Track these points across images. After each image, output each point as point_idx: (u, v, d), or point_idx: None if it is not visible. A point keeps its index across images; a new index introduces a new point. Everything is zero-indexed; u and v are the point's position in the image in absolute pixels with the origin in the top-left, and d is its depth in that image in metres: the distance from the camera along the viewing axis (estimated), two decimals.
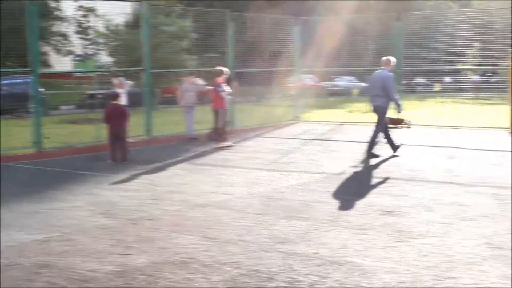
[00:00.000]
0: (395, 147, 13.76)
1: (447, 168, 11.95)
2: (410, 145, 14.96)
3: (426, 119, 22.00)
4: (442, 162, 12.70)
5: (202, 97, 17.64)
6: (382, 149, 13.62)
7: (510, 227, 7.31)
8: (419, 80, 43.08)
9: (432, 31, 28.01)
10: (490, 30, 28.78)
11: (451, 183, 10.35)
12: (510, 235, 6.98)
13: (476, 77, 38.35)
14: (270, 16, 25.91)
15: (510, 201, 8.66)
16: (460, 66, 27.86)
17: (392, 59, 14.05)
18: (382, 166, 12.30)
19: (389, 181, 10.60)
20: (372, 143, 13.56)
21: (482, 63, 29.28)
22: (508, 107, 18.51)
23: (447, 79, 33.44)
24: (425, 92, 39.17)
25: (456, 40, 23.59)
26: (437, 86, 33.09)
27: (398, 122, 18.49)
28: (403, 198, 9.11)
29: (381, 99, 13.44)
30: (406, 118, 19.20)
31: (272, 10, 40.77)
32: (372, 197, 9.21)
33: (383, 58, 14.02)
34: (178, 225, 7.72)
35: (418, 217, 7.94)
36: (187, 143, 16.24)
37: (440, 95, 32.47)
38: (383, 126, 13.71)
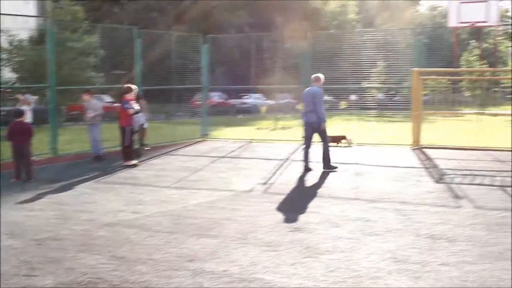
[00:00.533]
0: (307, 168, 14.03)
1: (354, 184, 12.21)
2: (316, 162, 15.19)
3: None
4: (348, 179, 12.96)
5: (105, 115, 17.37)
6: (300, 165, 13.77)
7: (413, 241, 7.56)
8: (325, 98, 43.77)
9: (338, 50, 28.64)
10: (394, 49, 29.63)
11: (357, 199, 10.58)
12: (413, 249, 7.21)
13: (380, 95, 39.43)
14: (178, 33, 25.89)
15: (413, 216, 8.96)
16: (365, 84, 28.59)
17: (322, 76, 14.38)
18: (290, 183, 12.43)
19: (297, 197, 10.73)
20: (327, 157, 14.17)
21: (386, 82, 30.13)
22: (410, 124, 19.13)
23: (353, 97, 34.23)
24: (331, 109, 39.91)
25: (361, 59, 24.18)
26: (343, 104, 33.80)
27: (338, 139, 18.78)
28: (311, 214, 9.25)
29: (313, 115, 13.84)
30: (348, 137, 19.35)
31: (180, 28, 40.76)
32: (281, 214, 9.29)
33: (313, 76, 14.42)
34: (86, 245, 7.57)
35: (325, 233, 8.06)
36: (93, 161, 15.96)
37: (346, 112, 33.16)
38: (308, 142, 14.26)
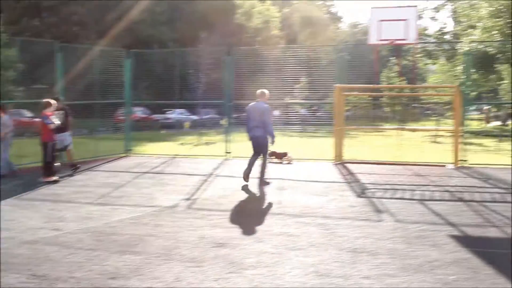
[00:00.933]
0: (246, 176, 14.33)
1: (277, 199, 12.30)
2: (240, 177, 15.24)
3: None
4: (272, 194, 13.05)
5: (24, 130, 16.99)
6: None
7: (336, 255, 7.67)
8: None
9: (261, 66, 28.83)
10: (316, 65, 30.03)
11: (281, 214, 10.65)
12: (336, 263, 7.32)
13: (303, 111, 39.89)
14: (100, 47, 25.60)
15: (336, 230, 9.10)
16: (288, 100, 28.85)
17: (267, 92, 14.64)
18: (214, 198, 12.43)
19: (221, 213, 10.73)
20: (263, 171, 14.36)
21: (309, 97, 30.48)
22: (332, 140, 19.43)
23: (276, 112, 34.50)
24: None
25: (284, 74, 24.41)
26: None
27: (281, 156, 18.84)
28: (234, 229, 9.27)
29: (260, 129, 14.03)
30: (289, 154, 19.38)
31: (103, 42, 40.29)
32: (205, 230, 9.27)
33: (258, 91, 14.65)
34: (4, 263, 7.37)
35: (249, 248, 8.09)
36: (12, 177, 15.54)
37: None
38: (256, 155, 14.51)
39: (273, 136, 14.11)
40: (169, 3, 53.98)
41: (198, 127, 30.99)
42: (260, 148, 14.35)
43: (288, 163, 18.75)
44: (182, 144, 26.43)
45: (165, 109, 44.72)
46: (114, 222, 9.84)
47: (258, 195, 12.87)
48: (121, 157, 21.11)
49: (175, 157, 21.14)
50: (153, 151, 22.76)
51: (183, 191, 13.28)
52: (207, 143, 27.31)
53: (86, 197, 12.51)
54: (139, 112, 40.82)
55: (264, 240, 8.57)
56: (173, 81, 22.30)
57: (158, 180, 15.39)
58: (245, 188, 13.75)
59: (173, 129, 38.08)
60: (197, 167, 18.20)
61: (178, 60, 22.99)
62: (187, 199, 12.29)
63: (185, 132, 32.37)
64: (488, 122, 51.14)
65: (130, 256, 7.66)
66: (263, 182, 14.29)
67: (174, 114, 43.17)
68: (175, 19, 54.60)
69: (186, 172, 16.91)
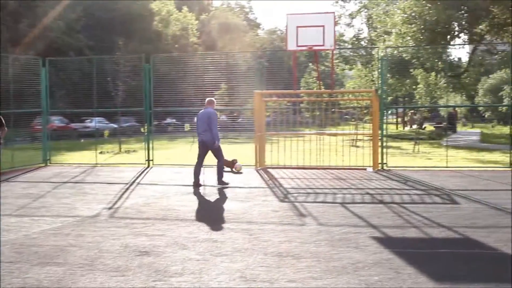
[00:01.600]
0: (196, 183, 15.27)
1: (202, 205, 12.27)
2: (163, 184, 15.14)
3: (177, 159, 22.47)
4: (196, 200, 13.01)
5: None
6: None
7: (261, 259, 7.71)
8: (170, 120, 43.94)
9: (181, 73, 28.74)
10: (235, 72, 30.11)
11: (205, 220, 10.62)
12: (262, 267, 7.34)
13: (224, 117, 39.97)
14: (15, 56, 24.98)
15: (261, 235, 9.14)
16: None
17: (214, 100, 15.95)
18: (136, 206, 12.28)
19: (144, 221, 10.61)
20: (220, 173, 15.39)
21: (229, 104, 30.56)
22: (254, 145, 19.53)
23: (196, 119, 34.43)
24: (176, 132, 40.02)
25: (204, 81, 24.41)
26: (187, 126, 33.94)
27: (230, 164, 18.71)
28: (158, 237, 9.18)
29: (209, 134, 15.00)
30: (238, 162, 19.23)
31: (17, 50, 39.29)
32: (128, 238, 9.14)
33: (208, 99, 15.70)
34: None
35: (174, 256, 8.02)
36: None
37: (190, 134, 33.25)
38: (200, 160, 15.50)
39: (217, 139, 15.13)
40: (85, 10, 53.16)
41: (118, 135, 30.55)
42: (205, 151, 15.39)
43: (238, 172, 18.62)
44: (102, 152, 26.04)
45: (84, 118, 44.04)
46: (35, 234, 9.59)
47: (180, 202, 12.77)
48: (40, 167, 20.67)
49: (95, 166, 20.83)
50: (72, 161, 22.39)
51: (104, 200, 13.08)
52: (127, 151, 27.01)
53: (4, 209, 12.15)
54: (56, 121, 40.05)
55: (188, 247, 8.52)
56: (91, 89, 21.93)
57: (78, 189, 15.11)
58: (167, 196, 13.64)
59: (92, 138, 37.53)
60: (118, 175, 17.98)
61: (95, 67, 22.61)
62: (109, 208, 12.10)
63: (105, 141, 31.92)
64: (411, 125, 52.36)
65: (52, 268, 7.47)
66: (222, 183, 15.27)
67: (93, 123, 42.54)
68: (91, 26, 53.82)
69: (107, 181, 16.68)
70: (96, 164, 21.41)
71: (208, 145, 15.19)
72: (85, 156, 23.99)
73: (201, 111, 15.59)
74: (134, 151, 27.12)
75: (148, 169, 19.93)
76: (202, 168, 15.56)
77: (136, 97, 24.03)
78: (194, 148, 26.63)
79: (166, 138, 35.86)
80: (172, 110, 29.16)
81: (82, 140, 35.31)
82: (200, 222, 10.44)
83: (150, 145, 21.08)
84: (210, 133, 14.99)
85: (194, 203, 12.67)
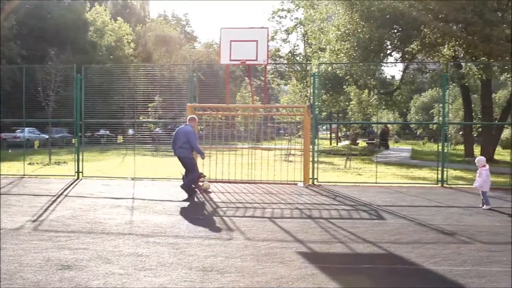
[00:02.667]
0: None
1: (128, 219, 12.10)
2: (92, 197, 14.91)
3: (108, 171, 22.21)
4: (122, 214, 12.82)
5: None
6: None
7: (186, 274, 7.63)
8: (103, 132, 43.45)
9: (114, 84, 28.47)
10: (170, 84, 29.96)
11: (131, 234, 10.47)
12: (185, 282, 7.27)
13: (158, 130, 39.73)
14: None
15: (186, 250, 9.07)
16: (142, 118, 28.62)
17: (196, 118, 17.07)
18: (62, 219, 12.03)
19: (69, 234, 10.40)
20: (189, 186, 15.87)
21: (163, 116, 30.39)
22: None
23: (131, 131, 34.16)
24: (108, 144, 39.57)
25: (138, 93, 24.20)
26: (120, 138, 33.61)
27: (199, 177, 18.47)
28: (82, 251, 9.00)
29: (185, 150, 15.72)
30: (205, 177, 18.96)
31: None
32: (51, 252, 8.94)
33: (190, 116, 16.67)
34: None
35: (96, 270, 7.87)
36: None
37: (123, 147, 32.98)
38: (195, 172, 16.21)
39: (202, 153, 16.13)
40: (17, 19, 52.14)
41: (49, 146, 29.97)
42: (185, 166, 16.06)
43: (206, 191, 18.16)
44: (31, 163, 25.50)
45: (14, 128, 43.08)
46: None
47: (107, 215, 12.57)
48: None
49: (23, 177, 20.37)
50: None
51: (29, 212, 12.78)
52: (57, 163, 26.51)
53: None
54: None
55: (112, 261, 8.38)
56: (22, 99, 21.45)
57: (3, 201, 14.71)
58: (94, 209, 13.43)
59: (22, 148, 36.76)
60: (46, 187, 17.62)
61: (26, 77, 22.14)
62: (34, 221, 11.82)
63: (35, 151, 31.29)
64: (353, 141, 52.98)
65: None
66: (190, 192, 15.82)
67: (23, 133, 41.66)
68: (24, 35, 52.81)
69: (33, 193, 16.31)
70: (24, 175, 20.94)
71: (183, 160, 15.91)
72: (12, 167, 23.42)
73: (180, 127, 16.31)
74: (64, 162, 26.65)
75: (78, 181, 19.60)
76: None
77: (68, 108, 23.64)
78: (126, 161, 26.43)
79: (98, 149, 35.36)
80: (104, 121, 28.79)
81: (10, 151, 34.45)
82: (127, 236, 10.28)
83: (80, 157, 20.75)
84: (185, 150, 15.72)
85: (121, 216, 12.48)
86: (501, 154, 36.03)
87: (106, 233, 10.56)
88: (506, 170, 22.65)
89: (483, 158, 14.80)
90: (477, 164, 14.70)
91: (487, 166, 14.65)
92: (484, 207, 14.25)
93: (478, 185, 14.51)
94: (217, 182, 19.12)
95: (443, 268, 8.16)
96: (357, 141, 53.72)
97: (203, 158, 16.46)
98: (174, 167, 21.98)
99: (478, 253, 9.10)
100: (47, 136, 37.66)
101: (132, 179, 20.11)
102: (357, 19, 27.09)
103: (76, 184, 18.57)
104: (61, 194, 16.16)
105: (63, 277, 7.51)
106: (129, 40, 64.28)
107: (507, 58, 24.71)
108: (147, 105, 29.21)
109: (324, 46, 32.95)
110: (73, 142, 22.41)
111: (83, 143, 22.12)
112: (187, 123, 16.34)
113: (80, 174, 20.64)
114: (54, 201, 14.76)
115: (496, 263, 8.49)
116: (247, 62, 17.91)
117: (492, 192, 17.45)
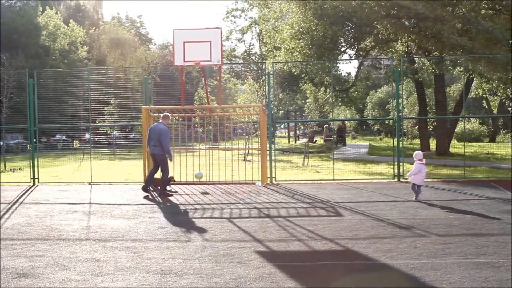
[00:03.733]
0: (145, 189, 16.66)
1: (85, 224, 11.99)
2: (48, 203, 14.73)
3: (64, 176, 21.99)
4: (79, 219, 12.70)
5: None
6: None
7: (143, 278, 7.59)
8: (59, 137, 42.96)
9: (67, 88, 28.14)
10: (125, 87, 29.74)
11: (88, 239, 10.37)
12: (143, 286, 7.23)
13: (115, 133, 39.44)
14: None
15: (144, 253, 9.02)
16: (98, 122, 28.38)
17: (169, 115, 17.17)
18: (17, 227, 11.86)
19: (24, 241, 10.25)
20: (163, 186, 16.50)
21: (120, 120, 30.16)
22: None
23: (87, 135, 33.84)
24: (65, 149, 39.15)
25: (93, 97, 23.96)
26: (76, 143, 33.30)
27: (157, 182, 18.26)
28: (38, 258, 8.88)
29: (158, 148, 16.13)
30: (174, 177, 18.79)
31: None
32: (6, 260, 8.80)
33: (164, 114, 16.87)
34: None
35: (53, 277, 7.78)
36: None
37: (80, 151, 32.68)
38: (154, 170, 16.73)
39: (170, 154, 16.34)
40: None
41: (3, 153, 29.54)
42: (157, 163, 16.46)
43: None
44: None
45: None
46: None
47: (64, 221, 12.43)
48: None
49: None
50: None
51: None
52: (12, 170, 26.12)
53: None
54: None
55: (69, 267, 8.29)
56: None
57: None
58: (50, 215, 13.27)
59: None
60: (9, 194, 17.35)
61: None
62: None
63: None
64: (308, 139, 53.22)
65: None
66: (163, 193, 16.29)
67: None
68: None
69: None
70: None
71: (156, 158, 16.33)
72: None
73: (153, 124, 16.79)
74: (20, 169, 26.26)
75: (33, 187, 19.34)
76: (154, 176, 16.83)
77: (22, 114, 23.33)
78: (83, 166, 26.17)
79: (54, 155, 34.91)
80: (58, 126, 28.46)
81: None
82: (84, 241, 10.18)
83: (36, 163, 20.50)
84: (159, 147, 16.06)
85: (78, 222, 12.35)
86: (456, 147, 36.54)
87: (62, 239, 10.45)
88: (460, 162, 22.99)
89: (420, 153, 15.13)
90: (414, 158, 14.95)
91: (424, 161, 14.93)
92: (415, 198, 14.61)
93: (412, 178, 14.80)
94: (175, 184, 19.03)
95: (399, 262, 8.26)
96: (315, 139, 53.98)
97: (170, 160, 16.52)
98: (131, 171, 21.86)
99: (434, 246, 9.22)
100: (1, 143, 37.07)
101: (89, 183, 19.96)
102: (311, 17, 27.15)
103: (32, 191, 18.33)
104: (17, 201, 15.93)
105: (19, 285, 7.41)
106: (83, 43, 63.60)
107: (459, 52, 25.05)
108: (103, 108, 28.98)
109: (279, 45, 32.99)
110: (28, 148, 22.12)
111: (39, 148, 21.83)
112: (160, 120, 16.57)
113: (36, 180, 20.39)
114: (9, 208, 14.55)
115: (451, 255, 8.62)
116: (201, 63, 17.86)
117: (447, 184, 17.80)
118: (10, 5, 62.63)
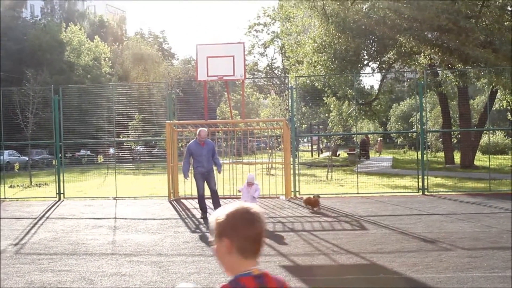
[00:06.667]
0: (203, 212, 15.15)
1: (111, 239, 12.07)
2: (73, 218, 14.83)
3: (89, 191, 22.13)
4: (105, 234, 12.78)
5: None
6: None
7: None
8: (84, 152, 43.31)
9: (92, 104, 28.37)
10: (149, 102, 29.91)
11: (114, 254, 10.44)
12: None
13: (139, 148, 39.67)
14: None
15: (170, 268, 9.05)
16: (122, 137, 28.56)
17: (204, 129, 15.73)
18: (44, 242, 11.97)
19: (51, 256, 10.34)
20: (217, 203, 15.31)
21: (143, 135, 30.35)
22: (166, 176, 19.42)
23: (112, 150, 34.09)
24: (90, 163, 39.43)
25: (117, 112, 24.14)
26: (100, 158, 33.51)
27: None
28: (64, 273, 8.96)
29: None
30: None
31: None
32: (33, 275, 8.89)
33: (201, 129, 15.48)
34: None
35: None
36: None
37: (104, 166, 32.89)
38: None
39: (185, 173, 15.47)
40: None
41: (29, 168, 29.84)
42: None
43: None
44: (11, 186, 25.34)
45: None
46: None
47: (90, 236, 12.52)
48: None
49: (3, 201, 20.24)
50: None
51: (11, 236, 12.71)
52: (38, 185, 26.35)
53: None
54: None
55: (95, 282, 8.36)
56: (0, 121, 21.33)
57: None
58: (76, 230, 13.37)
59: (1, 171, 36.52)
60: (27, 210, 17.53)
61: (4, 99, 22.05)
62: (15, 244, 11.76)
63: (15, 174, 31.08)
64: (332, 152, 53.15)
65: None
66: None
67: (3, 156, 41.43)
68: (1, 57, 52.57)
69: (15, 216, 16.21)
70: (5, 198, 20.81)
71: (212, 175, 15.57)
72: None
73: (206, 140, 15.42)
74: (45, 184, 26.49)
75: (59, 202, 19.50)
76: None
77: (47, 129, 23.56)
78: (108, 181, 26.34)
79: (79, 170, 35.17)
80: (83, 141, 28.70)
81: None
82: (110, 256, 10.25)
83: (61, 178, 20.67)
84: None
85: (104, 236, 12.44)
86: (481, 159, 36.25)
87: (88, 254, 10.53)
88: (485, 175, 22.82)
89: (252, 176, 14.85)
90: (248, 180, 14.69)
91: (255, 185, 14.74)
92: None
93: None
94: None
95: (425, 276, 8.22)
96: (338, 152, 53.80)
97: (185, 178, 15.80)
98: (156, 185, 21.96)
99: (460, 260, 9.17)
100: (27, 159, 37.42)
101: (114, 198, 20.07)
102: (333, 31, 27.18)
103: (57, 206, 18.48)
104: (43, 216, 16.08)
105: None
106: (106, 59, 64.14)
107: (482, 64, 24.93)
108: (127, 123, 29.17)
109: (301, 59, 33.02)
110: (54, 163, 22.32)
111: (64, 164, 22.01)
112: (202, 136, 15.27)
113: (62, 195, 20.55)
114: (35, 223, 14.69)
115: (477, 269, 8.56)
116: (225, 78, 17.96)
117: (472, 198, 17.64)
118: (34, 22, 63.42)
